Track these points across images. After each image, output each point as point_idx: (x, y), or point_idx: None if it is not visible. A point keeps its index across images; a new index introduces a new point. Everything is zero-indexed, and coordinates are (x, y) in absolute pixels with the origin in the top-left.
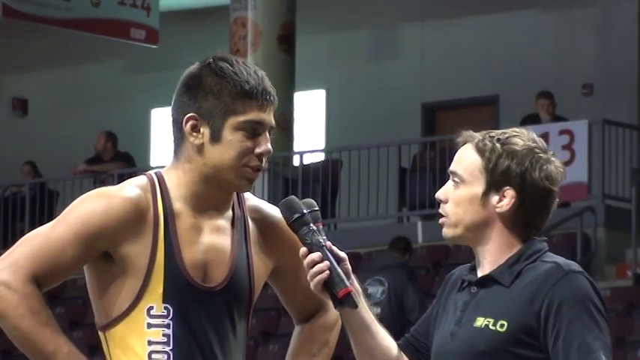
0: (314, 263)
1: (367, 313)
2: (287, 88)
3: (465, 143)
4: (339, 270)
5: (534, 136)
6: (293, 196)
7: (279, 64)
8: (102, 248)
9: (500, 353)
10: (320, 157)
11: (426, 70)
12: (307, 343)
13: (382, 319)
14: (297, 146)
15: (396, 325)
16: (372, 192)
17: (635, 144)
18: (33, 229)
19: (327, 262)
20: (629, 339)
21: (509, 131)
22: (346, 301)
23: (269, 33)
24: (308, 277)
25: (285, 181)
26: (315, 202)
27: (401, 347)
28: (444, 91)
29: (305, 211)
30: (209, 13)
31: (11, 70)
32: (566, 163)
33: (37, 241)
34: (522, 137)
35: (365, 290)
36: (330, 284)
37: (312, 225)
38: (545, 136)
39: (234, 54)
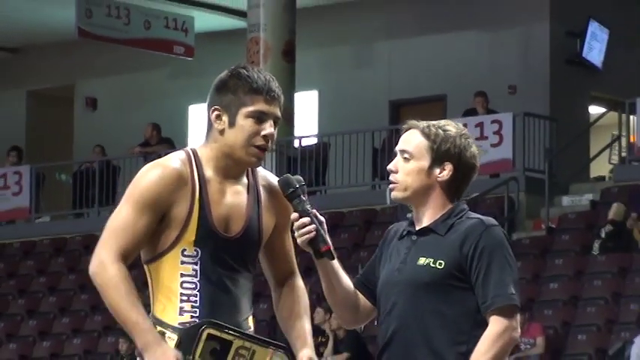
0: (304, 225)
1: (336, 262)
2: (289, 89)
3: (409, 129)
4: (322, 231)
5: (461, 125)
6: (288, 174)
7: (283, 71)
8: (162, 211)
9: (439, 284)
10: (314, 140)
11: (393, 76)
12: (294, 305)
13: None
14: (296, 132)
15: None
16: (352, 166)
17: (547, 130)
18: (101, 194)
19: (314, 225)
20: (542, 275)
21: (443, 122)
22: (326, 254)
23: (276, 48)
24: (297, 235)
25: (288, 158)
26: (302, 179)
27: (355, 285)
28: (406, 92)
29: (297, 186)
30: (231, 34)
31: (84, 75)
32: (496, 145)
33: (117, 225)
34: (453, 126)
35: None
36: (314, 241)
37: (302, 196)
38: (480, 125)
39: (251, 63)
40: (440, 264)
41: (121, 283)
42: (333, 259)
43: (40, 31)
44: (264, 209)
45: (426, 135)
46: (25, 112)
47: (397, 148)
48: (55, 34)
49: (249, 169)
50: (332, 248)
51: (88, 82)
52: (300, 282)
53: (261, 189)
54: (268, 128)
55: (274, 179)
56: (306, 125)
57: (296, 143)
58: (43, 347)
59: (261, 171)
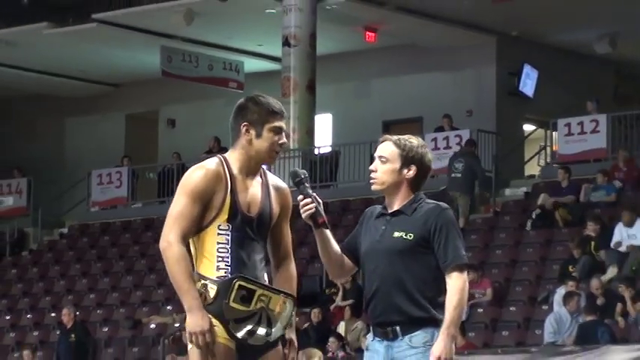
0: (307, 203)
1: (329, 232)
2: (310, 113)
3: (385, 141)
4: (320, 208)
5: (420, 138)
6: (296, 168)
7: (307, 100)
8: (207, 199)
9: (409, 250)
10: (328, 149)
11: (385, 104)
12: (288, 283)
13: (460, 183)
14: (316, 143)
15: (466, 183)
16: (356, 168)
17: (494, 142)
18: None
19: (314, 204)
20: (491, 245)
21: (407, 136)
22: (323, 225)
23: (302, 84)
24: (302, 212)
25: (310, 162)
26: (306, 171)
27: (342, 250)
28: (394, 114)
29: (302, 176)
30: (270, 73)
31: (166, 103)
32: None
33: (177, 213)
34: (415, 139)
35: (453, 163)
36: (314, 215)
37: (305, 183)
38: (447, 138)
39: (284, 95)
40: (410, 236)
41: (182, 260)
42: (328, 228)
43: (134, 72)
44: (272, 199)
45: (397, 145)
46: (124, 130)
47: (376, 154)
48: (145, 74)
49: (262, 171)
50: (326, 221)
51: (169, 107)
52: (293, 265)
53: (270, 186)
54: (283, 138)
55: (279, 181)
56: (323, 138)
57: (316, 151)
58: (136, 295)
59: (270, 174)
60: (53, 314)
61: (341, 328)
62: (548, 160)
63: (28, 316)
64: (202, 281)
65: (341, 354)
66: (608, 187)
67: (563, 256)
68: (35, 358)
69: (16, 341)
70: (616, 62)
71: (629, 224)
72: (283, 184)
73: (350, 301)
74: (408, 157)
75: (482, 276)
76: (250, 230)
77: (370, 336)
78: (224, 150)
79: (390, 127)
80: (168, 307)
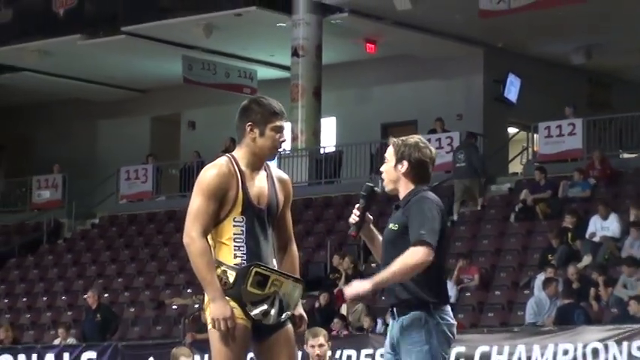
0: (355, 214)
1: (376, 230)
2: (316, 116)
3: (390, 145)
4: (359, 224)
5: (421, 137)
6: (373, 185)
7: (313, 105)
8: (222, 195)
9: (395, 239)
10: (333, 149)
11: (383, 108)
12: (293, 263)
13: (465, 170)
14: (322, 143)
15: (470, 169)
16: (357, 165)
17: (482, 143)
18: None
19: (358, 219)
20: (478, 235)
21: (410, 136)
22: (352, 237)
23: (309, 90)
24: (353, 213)
25: (316, 160)
26: (374, 191)
27: None
28: (391, 118)
29: (364, 193)
30: (280, 81)
31: (187, 107)
32: (449, 152)
33: (197, 211)
34: (416, 138)
35: (456, 155)
36: (353, 224)
37: (369, 201)
38: (439, 139)
39: (292, 100)
40: (396, 226)
41: (205, 254)
42: (354, 238)
43: (158, 79)
44: (277, 190)
45: (393, 145)
46: (150, 131)
47: (385, 156)
48: (168, 81)
49: (265, 165)
50: (355, 237)
51: (190, 111)
52: (295, 246)
53: (274, 178)
54: (283, 136)
55: (281, 173)
56: (328, 139)
57: (321, 151)
58: (160, 279)
59: (272, 166)
60: (85, 296)
61: (344, 309)
62: (529, 159)
63: (63, 297)
64: (221, 267)
65: (344, 333)
66: (583, 184)
67: (543, 245)
68: (69, 336)
69: (52, 320)
70: (591, 72)
71: (605, 217)
72: (285, 175)
73: None
74: (399, 154)
75: (470, 263)
76: (261, 220)
77: None
78: None
79: (388, 129)
80: (189, 290)
